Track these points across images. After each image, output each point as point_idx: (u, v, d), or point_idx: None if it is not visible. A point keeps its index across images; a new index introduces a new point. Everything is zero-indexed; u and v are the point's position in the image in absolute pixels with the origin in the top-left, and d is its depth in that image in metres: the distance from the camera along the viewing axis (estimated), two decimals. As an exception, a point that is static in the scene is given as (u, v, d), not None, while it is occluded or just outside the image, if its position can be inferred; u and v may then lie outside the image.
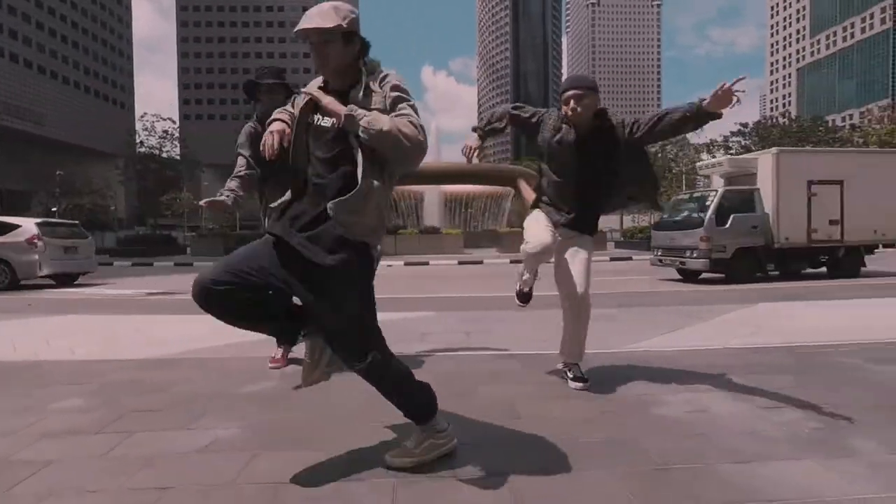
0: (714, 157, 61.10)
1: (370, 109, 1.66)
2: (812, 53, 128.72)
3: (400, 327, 4.53)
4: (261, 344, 3.79)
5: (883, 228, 10.22)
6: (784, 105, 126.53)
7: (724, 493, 1.60)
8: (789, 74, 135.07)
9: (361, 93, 1.72)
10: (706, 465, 1.80)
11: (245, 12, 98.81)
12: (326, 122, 1.73)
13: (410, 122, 1.65)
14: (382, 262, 16.25)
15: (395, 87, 1.73)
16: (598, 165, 2.64)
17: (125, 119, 77.49)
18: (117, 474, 1.78)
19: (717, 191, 9.62)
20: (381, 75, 1.77)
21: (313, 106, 1.76)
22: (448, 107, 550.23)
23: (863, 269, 10.30)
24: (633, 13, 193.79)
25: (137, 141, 50.27)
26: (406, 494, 1.63)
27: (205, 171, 62.98)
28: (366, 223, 1.69)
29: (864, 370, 3.00)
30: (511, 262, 18.13)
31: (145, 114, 49.88)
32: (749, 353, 3.45)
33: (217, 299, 1.63)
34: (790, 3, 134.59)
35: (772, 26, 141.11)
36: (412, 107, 1.72)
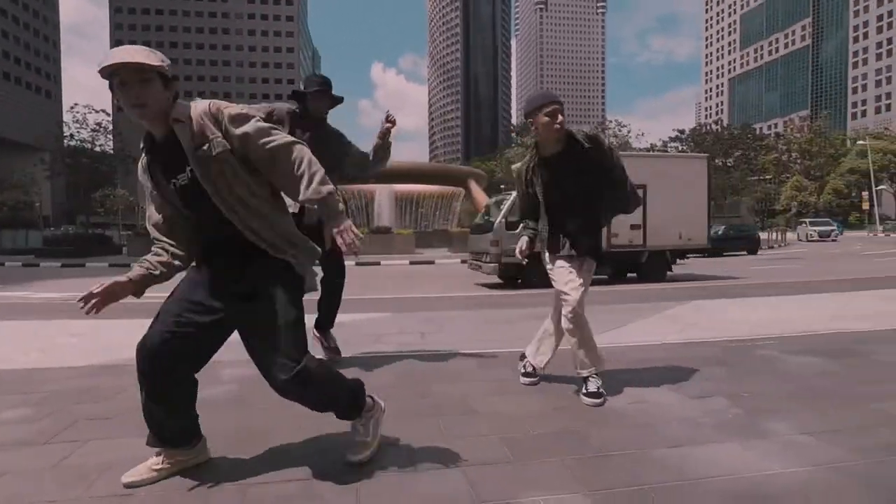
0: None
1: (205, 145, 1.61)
2: (742, 65, 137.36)
3: (355, 329, 4.57)
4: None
5: (688, 233, 10.36)
6: (717, 113, 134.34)
7: (659, 475, 1.79)
8: (722, 84, 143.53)
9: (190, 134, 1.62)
10: (644, 450, 1.99)
11: (185, 0, 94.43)
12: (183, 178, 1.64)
13: (308, 158, 1.64)
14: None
15: (241, 117, 1.65)
16: (573, 184, 2.63)
17: (52, 109, 72.27)
18: (75, 484, 1.76)
19: (512, 194, 9.61)
20: (195, 106, 1.65)
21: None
22: (398, 105, 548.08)
23: (669, 273, 10.55)
24: (579, 19, 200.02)
25: (67, 134, 47.08)
26: (370, 488, 1.72)
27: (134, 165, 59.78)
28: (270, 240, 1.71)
29: (781, 361, 3.34)
30: (462, 261, 18.40)
31: (75, 105, 46.80)
32: (682, 348, 3.74)
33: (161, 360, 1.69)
34: (722, 18, 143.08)
35: (706, 38, 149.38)
36: (272, 127, 1.67)
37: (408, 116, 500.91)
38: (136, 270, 1.69)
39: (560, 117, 2.54)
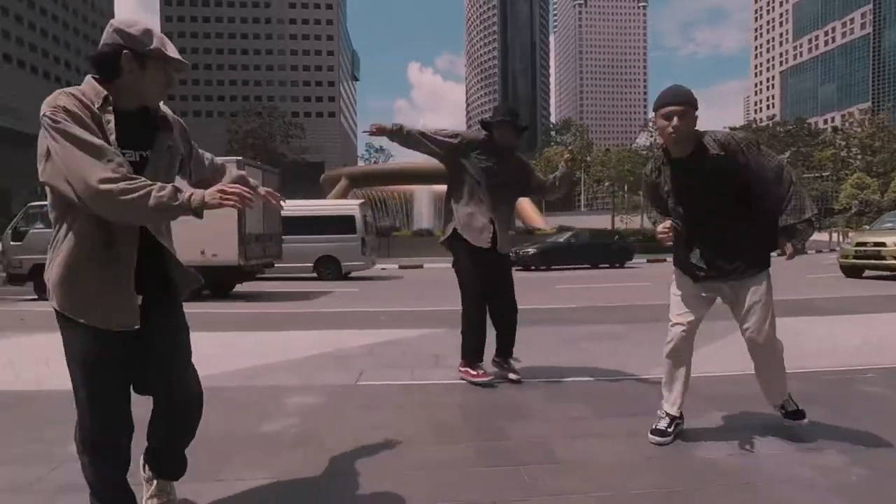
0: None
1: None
2: (795, 56, 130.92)
3: (411, 348, 4.44)
4: (265, 372, 3.69)
5: (212, 248, 8.89)
6: (768, 107, 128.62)
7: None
8: (773, 77, 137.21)
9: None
10: (766, 523, 1.75)
11: (231, 7, 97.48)
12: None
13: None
14: (377, 265, 16.13)
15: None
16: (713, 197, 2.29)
17: (108, 115, 75.93)
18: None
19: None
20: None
21: None
22: (434, 105, 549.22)
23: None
24: (620, 13, 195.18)
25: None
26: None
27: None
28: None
29: (892, 401, 2.99)
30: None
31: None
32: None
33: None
34: (773, 7, 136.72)
35: (756, 29, 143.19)
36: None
37: (444, 116, 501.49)
38: None
39: (675, 121, 2.19)
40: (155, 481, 1.80)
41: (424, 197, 27.88)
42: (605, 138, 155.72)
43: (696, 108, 2.24)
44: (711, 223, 2.32)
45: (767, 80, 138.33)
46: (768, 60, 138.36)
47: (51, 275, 1.50)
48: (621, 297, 8.62)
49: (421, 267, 17.40)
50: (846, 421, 2.66)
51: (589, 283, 11.87)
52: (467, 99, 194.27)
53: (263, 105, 51.32)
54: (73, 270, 1.47)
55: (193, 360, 1.76)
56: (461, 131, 3.49)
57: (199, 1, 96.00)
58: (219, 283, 9.34)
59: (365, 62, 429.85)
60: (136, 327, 1.53)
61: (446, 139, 3.35)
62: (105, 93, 1.48)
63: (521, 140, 3.56)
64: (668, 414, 2.46)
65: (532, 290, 10.41)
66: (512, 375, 3.43)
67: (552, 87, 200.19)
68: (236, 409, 2.95)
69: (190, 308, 1.78)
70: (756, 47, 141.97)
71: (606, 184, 65.50)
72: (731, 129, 59.82)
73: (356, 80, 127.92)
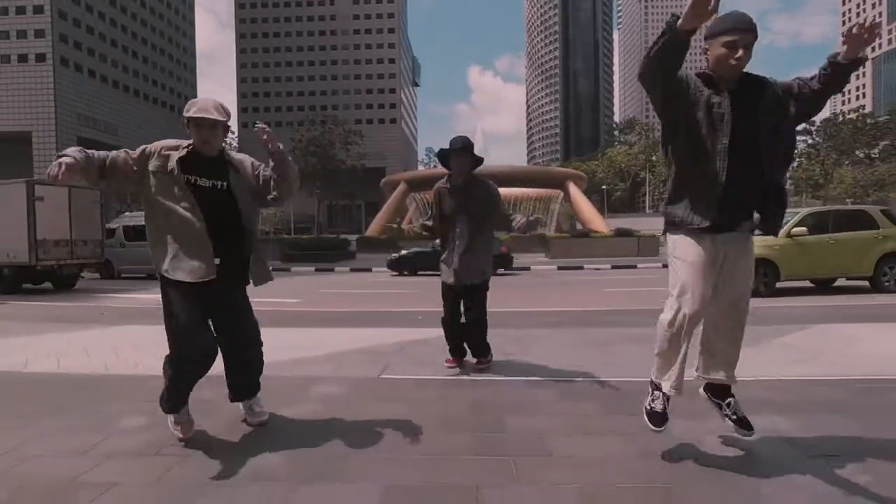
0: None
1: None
2: (889, 42, 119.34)
3: (436, 346, 4.60)
4: (281, 364, 3.97)
5: (11, 250, 11.25)
6: (858, 97, 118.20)
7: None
8: (863, 65, 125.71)
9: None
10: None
11: (299, 22, 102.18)
12: (207, 182, 2.46)
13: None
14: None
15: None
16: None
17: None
18: (172, 500, 1.94)
19: None
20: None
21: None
22: (494, 108, 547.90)
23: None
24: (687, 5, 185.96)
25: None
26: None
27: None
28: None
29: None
30: (559, 268, 17.90)
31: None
32: (797, 386, 3.29)
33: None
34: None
35: (843, 14, 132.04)
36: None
37: (505, 118, 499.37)
38: None
39: (741, 52, 2.04)
40: (243, 403, 2.78)
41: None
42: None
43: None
44: (748, 163, 2.08)
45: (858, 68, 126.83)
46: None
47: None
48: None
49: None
50: (863, 430, 2.55)
51: (633, 286, 11.54)
52: (528, 100, 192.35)
53: (325, 114, 53.54)
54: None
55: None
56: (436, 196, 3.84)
57: (269, 18, 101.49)
58: (18, 280, 11.73)
59: (425, 68, 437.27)
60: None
61: (432, 222, 3.94)
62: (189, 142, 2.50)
63: (471, 166, 3.69)
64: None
65: (577, 292, 10.29)
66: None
67: (616, 85, 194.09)
68: (268, 390, 3.23)
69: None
70: (844, 34, 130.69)
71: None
72: (808, 124, 54.69)
73: (417, 85, 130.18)
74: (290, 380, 3.59)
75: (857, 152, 54.54)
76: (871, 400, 3.02)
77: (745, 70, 2.13)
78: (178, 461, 2.29)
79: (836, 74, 2.07)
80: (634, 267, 17.74)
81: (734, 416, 2.34)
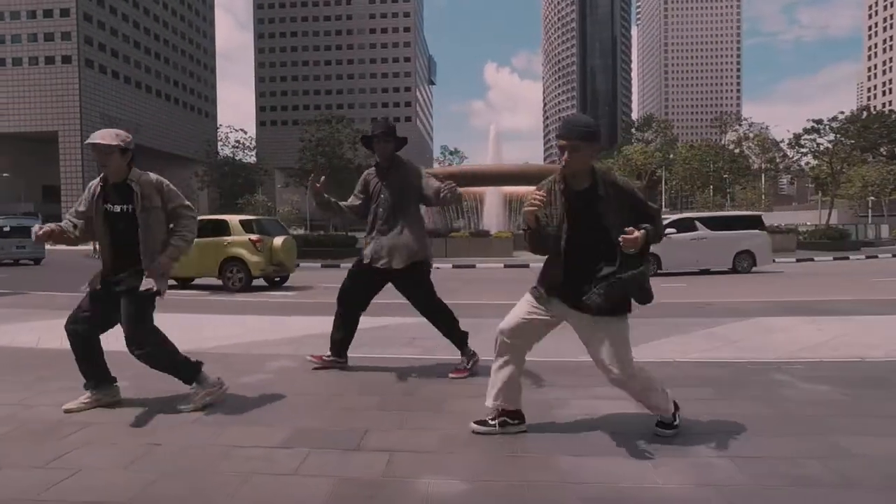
0: (798, 152, 56.28)
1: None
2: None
3: (396, 332, 5.12)
4: (265, 346, 4.53)
5: None
6: (885, 92, 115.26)
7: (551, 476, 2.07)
8: (890, 59, 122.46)
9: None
10: (552, 456, 2.26)
11: (316, 22, 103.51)
12: (116, 208, 2.84)
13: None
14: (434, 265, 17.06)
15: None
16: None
17: (209, 127, 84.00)
18: (133, 434, 2.52)
19: None
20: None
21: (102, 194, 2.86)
22: (511, 105, 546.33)
23: None
24: (710, 0, 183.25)
25: (218, 149, 54.87)
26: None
27: (270, 175, 66.96)
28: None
29: (788, 386, 3.25)
30: (453, 266, 18.25)
31: (221, 125, 54.48)
32: (691, 367, 3.75)
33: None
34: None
35: (870, 7, 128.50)
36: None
37: (521, 116, 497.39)
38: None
39: (564, 155, 2.33)
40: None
41: (495, 198, 28.29)
42: (692, 134, 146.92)
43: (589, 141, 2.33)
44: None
45: (885, 62, 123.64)
46: (885, 41, 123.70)
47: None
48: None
49: (473, 267, 18.03)
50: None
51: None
52: (545, 97, 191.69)
53: (331, 113, 54.67)
54: None
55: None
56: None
57: (287, 18, 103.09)
58: None
59: (441, 66, 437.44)
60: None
61: (356, 202, 3.76)
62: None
63: (393, 149, 3.64)
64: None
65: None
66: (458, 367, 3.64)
67: (634, 81, 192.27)
68: (230, 365, 3.81)
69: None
70: (870, 27, 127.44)
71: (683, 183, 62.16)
72: (815, 122, 52.42)
73: (432, 84, 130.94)
74: (250, 357, 4.18)
75: (882, 149, 53.17)
76: (746, 379, 3.46)
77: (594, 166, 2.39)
78: (140, 408, 2.88)
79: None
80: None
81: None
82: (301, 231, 44.02)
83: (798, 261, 18.32)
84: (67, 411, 2.84)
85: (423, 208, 3.78)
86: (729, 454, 2.25)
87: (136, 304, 2.78)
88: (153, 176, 2.90)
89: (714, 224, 13.78)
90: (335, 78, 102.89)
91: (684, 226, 13.44)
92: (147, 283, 2.75)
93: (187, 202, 3.01)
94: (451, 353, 3.85)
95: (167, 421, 2.75)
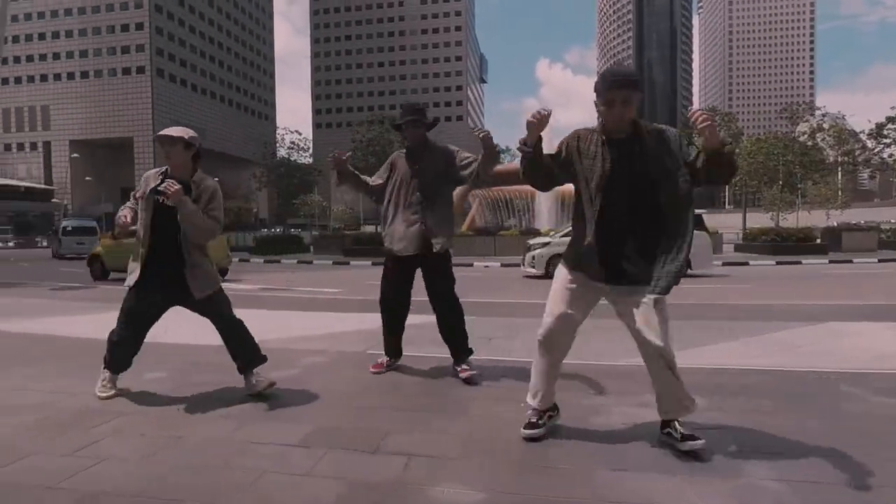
0: (880, 144, 51.70)
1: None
2: None
3: (424, 330, 5.03)
4: (303, 340, 4.55)
5: None
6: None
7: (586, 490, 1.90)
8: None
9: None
10: (590, 470, 2.08)
11: (369, 25, 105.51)
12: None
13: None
14: (479, 263, 16.94)
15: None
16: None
17: (268, 130, 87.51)
18: (160, 425, 2.56)
19: None
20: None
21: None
22: (564, 101, 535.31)
23: None
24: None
25: (276, 150, 57.14)
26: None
27: (325, 176, 68.80)
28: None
29: (856, 399, 2.89)
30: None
31: (278, 127, 56.64)
32: (740, 375, 3.42)
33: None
34: None
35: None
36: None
37: (574, 111, 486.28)
38: None
39: (617, 107, 2.17)
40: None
41: (546, 197, 27.76)
42: (759, 127, 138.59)
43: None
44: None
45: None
46: None
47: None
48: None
49: (520, 266, 17.70)
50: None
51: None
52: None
53: (382, 114, 55.58)
54: None
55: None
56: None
57: (342, 22, 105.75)
58: None
59: (493, 64, 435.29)
60: None
61: (378, 180, 3.59)
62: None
63: (426, 131, 3.50)
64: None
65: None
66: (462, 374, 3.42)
67: (696, 73, 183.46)
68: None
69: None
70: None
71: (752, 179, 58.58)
72: None
73: (484, 82, 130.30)
74: (286, 351, 4.19)
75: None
76: (805, 389, 3.11)
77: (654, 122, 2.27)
78: (173, 401, 2.92)
79: (711, 165, 2.09)
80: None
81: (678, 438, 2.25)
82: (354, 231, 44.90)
83: (880, 261, 16.81)
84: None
85: (469, 203, 3.61)
86: (784, 479, 1.99)
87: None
88: (214, 182, 3.06)
89: None
90: (388, 79, 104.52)
91: None
92: (169, 185, 2.77)
93: (222, 216, 3.06)
94: (478, 354, 3.72)
95: (196, 413, 2.77)
